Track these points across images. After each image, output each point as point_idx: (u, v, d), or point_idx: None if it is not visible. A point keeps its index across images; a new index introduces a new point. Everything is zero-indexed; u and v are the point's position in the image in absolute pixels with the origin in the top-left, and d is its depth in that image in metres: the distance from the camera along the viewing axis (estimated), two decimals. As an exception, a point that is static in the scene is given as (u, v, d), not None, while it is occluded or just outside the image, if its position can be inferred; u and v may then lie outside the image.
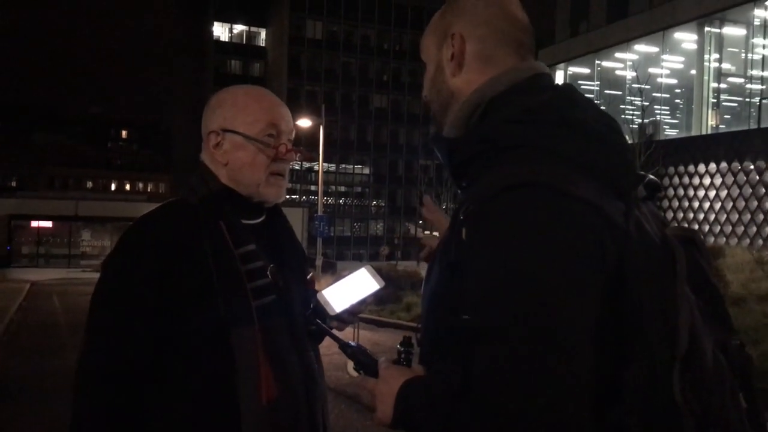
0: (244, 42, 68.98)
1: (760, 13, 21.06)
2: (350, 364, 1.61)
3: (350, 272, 1.54)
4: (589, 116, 1.06)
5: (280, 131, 1.58)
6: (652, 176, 1.12)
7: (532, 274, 0.91)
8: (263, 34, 69.24)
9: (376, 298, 1.55)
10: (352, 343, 1.33)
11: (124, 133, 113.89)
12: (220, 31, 67.99)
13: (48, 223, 44.93)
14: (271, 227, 1.64)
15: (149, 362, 1.43)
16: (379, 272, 1.58)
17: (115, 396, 1.41)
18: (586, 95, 1.17)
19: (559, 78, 29.00)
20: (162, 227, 1.49)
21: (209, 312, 1.42)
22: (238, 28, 68.61)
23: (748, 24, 21.71)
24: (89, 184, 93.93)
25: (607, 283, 0.94)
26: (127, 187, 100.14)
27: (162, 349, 1.43)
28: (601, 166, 1.01)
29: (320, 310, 1.51)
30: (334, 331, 1.55)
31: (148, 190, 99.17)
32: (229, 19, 67.42)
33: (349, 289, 1.52)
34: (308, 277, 1.68)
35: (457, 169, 1.13)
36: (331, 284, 1.53)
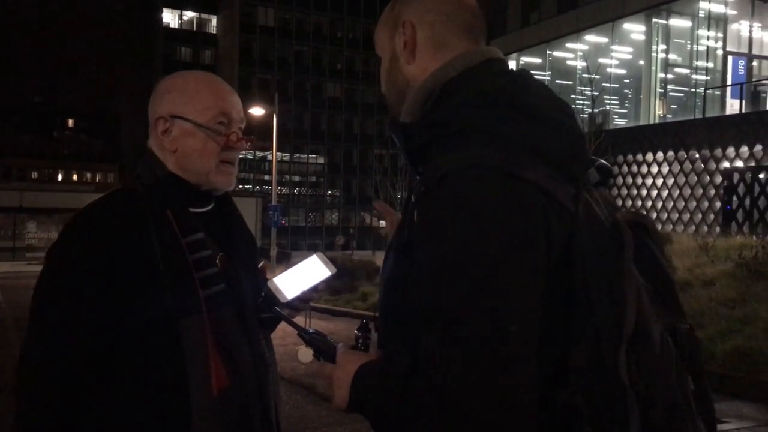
0: (195, 29, 67.79)
1: (704, 6, 21.64)
2: (300, 351, 1.59)
3: (302, 259, 1.53)
4: (541, 101, 1.07)
5: (231, 119, 1.56)
6: (603, 161, 1.13)
7: (477, 256, 0.92)
8: (214, 21, 68.14)
9: (329, 286, 1.54)
10: (311, 330, 1.32)
11: (70, 122, 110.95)
12: (170, 17, 66.66)
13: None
14: (219, 215, 1.61)
15: (94, 354, 1.40)
16: (334, 262, 1.57)
17: (59, 389, 1.39)
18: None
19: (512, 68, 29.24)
20: (106, 216, 1.45)
21: (156, 302, 1.40)
22: (188, 14, 67.37)
23: (693, 16, 22.28)
24: (34, 175, 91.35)
25: (553, 265, 0.95)
26: (75, 177, 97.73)
27: (108, 341, 1.40)
28: (551, 151, 1.02)
29: (272, 298, 1.49)
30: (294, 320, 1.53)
31: (96, 180, 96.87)
32: (179, 5, 66.15)
33: (301, 276, 1.51)
34: (260, 265, 1.67)
35: (413, 155, 1.14)
36: (282, 272, 1.52)
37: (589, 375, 0.92)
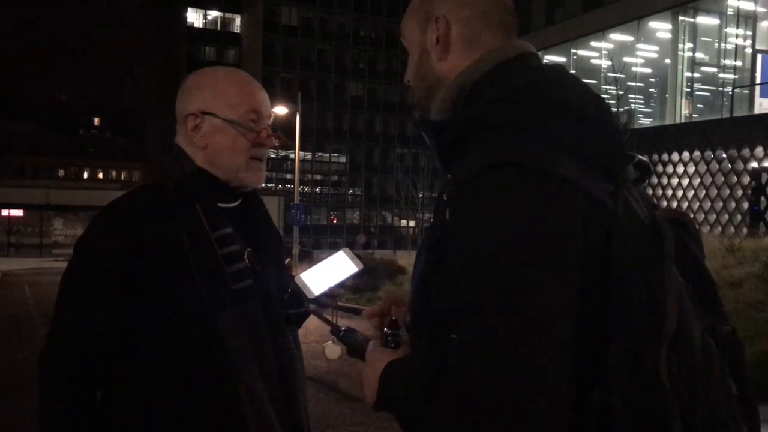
0: (219, 28, 68.31)
1: (733, 3, 21.31)
2: (328, 348, 1.57)
3: (328, 255, 1.52)
4: (577, 96, 1.04)
5: (261, 115, 1.55)
6: (642, 158, 1.10)
7: (510, 254, 0.90)
8: (238, 20, 68.58)
9: (355, 282, 1.52)
10: (342, 327, 1.30)
11: (96, 121, 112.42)
12: (194, 17, 67.22)
13: (19, 212, 44.26)
14: (247, 211, 1.61)
15: (119, 346, 1.41)
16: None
17: (80, 380, 1.41)
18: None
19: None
20: (135, 209, 1.46)
21: (188, 295, 1.40)
22: (213, 14, 67.87)
23: (721, 14, 21.96)
24: (61, 173, 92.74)
25: (591, 262, 0.92)
26: (100, 175, 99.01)
27: (139, 333, 1.41)
28: (588, 147, 1.00)
29: (298, 294, 1.48)
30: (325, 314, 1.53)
31: (122, 178, 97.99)
32: (204, 5, 66.67)
33: (328, 272, 1.49)
34: (285, 262, 1.66)
35: (444, 152, 1.11)
36: (309, 268, 1.51)
37: (626, 375, 0.89)
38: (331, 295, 1.52)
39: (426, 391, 0.95)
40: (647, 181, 1.13)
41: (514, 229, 0.91)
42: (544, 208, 0.92)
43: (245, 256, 1.50)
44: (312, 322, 1.67)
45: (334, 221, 66.16)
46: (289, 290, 1.52)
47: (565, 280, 0.91)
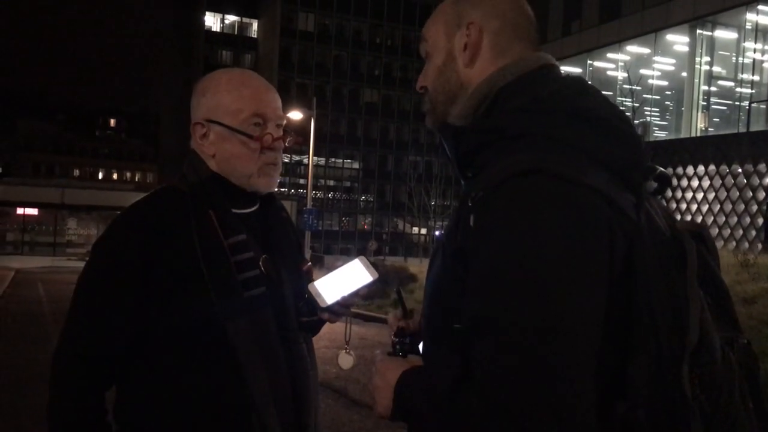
0: (236, 33, 68.61)
1: (752, 17, 21.18)
2: (341, 357, 1.57)
3: (343, 263, 1.50)
4: (599, 106, 1.05)
5: (267, 118, 1.51)
6: (663, 170, 1.09)
7: (538, 263, 0.89)
8: (255, 25, 68.89)
9: (370, 291, 1.49)
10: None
11: (112, 122, 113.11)
12: (212, 21, 67.58)
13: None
14: (264, 216, 1.59)
15: (130, 348, 1.42)
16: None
17: (90, 379, 1.41)
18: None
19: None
20: (150, 214, 1.45)
21: (199, 302, 1.40)
22: (230, 18, 68.21)
23: (739, 27, 21.83)
24: (76, 172, 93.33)
25: (615, 274, 0.92)
26: (115, 175, 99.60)
27: (151, 337, 1.41)
28: (611, 157, 0.99)
29: (313, 302, 1.47)
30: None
31: (136, 179, 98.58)
32: (221, 9, 67.02)
33: (342, 281, 1.47)
34: (305, 267, 1.63)
35: (463, 159, 1.11)
36: (324, 276, 1.49)
37: (650, 388, 0.89)
38: (344, 304, 1.49)
39: (448, 401, 0.94)
40: (665, 194, 1.13)
41: (544, 240, 0.90)
42: (574, 217, 0.91)
43: (260, 263, 1.48)
44: (320, 330, 1.67)
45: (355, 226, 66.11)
46: (305, 297, 1.50)
47: (594, 292, 0.90)
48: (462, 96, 1.14)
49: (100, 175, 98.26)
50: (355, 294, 1.49)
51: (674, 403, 0.88)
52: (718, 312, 0.98)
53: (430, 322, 1.09)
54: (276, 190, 1.61)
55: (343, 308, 1.52)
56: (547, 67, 1.13)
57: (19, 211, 44.15)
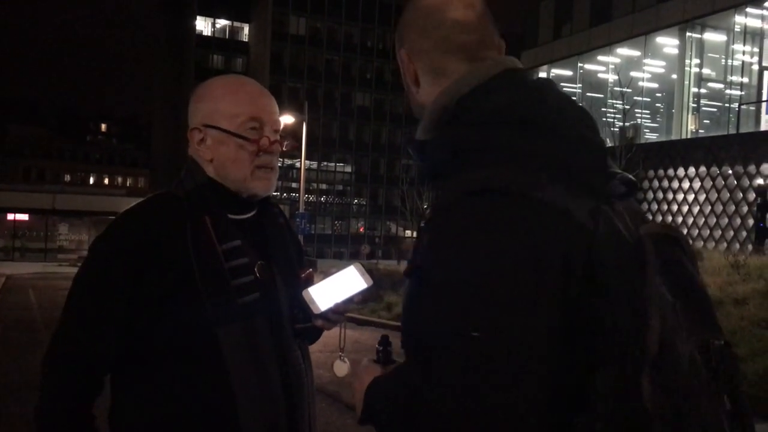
0: (227, 37, 68.62)
1: (740, 20, 21.33)
2: (336, 365, 1.56)
3: (338, 270, 1.49)
4: (558, 114, 1.04)
5: (263, 123, 1.53)
6: (626, 174, 1.08)
7: (487, 283, 0.90)
8: (246, 29, 68.92)
9: (365, 297, 1.49)
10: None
11: (103, 127, 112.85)
12: (203, 25, 67.56)
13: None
14: (261, 222, 1.59)
15: (121, 353, 1.42)
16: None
17: (79, 383, 1.42)
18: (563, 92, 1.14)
19: (542, 80, 29.11)
20: (145, 219, 1.46)
21: (191, 308, 1.40)
22: (221, 22, 68.22)
23: (728, 30, 21.98)
24: (67, 178, 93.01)
25: (574, 287, 0.92)
26: (106, 181, 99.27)
27: (142, 343, 1.41)
28: (568, 165, 0.99)
29: (308, 309, 1.47)
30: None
31: (127, 184, 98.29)
32: (212, 13, 67.01)
33: (336, 287, 1.47)
34: (305, 273, 1.61)
35: (428, 171, 1.13)
36: (318, 282, 1.49)
37: (611, 399, 0.89)
38: (338, 311, 1.49)
39: (404, 412, 0.97)
40: (637, 196, 1.12)
41: (490, 260, 0.91)
42: (519, 237, 0.91)
43: (255, 269, 1.48)
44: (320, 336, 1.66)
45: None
46: (300, 303, 1.50)
47: (543, 306, 0.90)
48: (424, 114, 1.15)
49: (92, 181, 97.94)
50: (350, 301, 1.48)
51: (634, 414, 0.88)
52: (693, 316, 0.95)
53: (404, 335, 1.11)
54: (273, 194, 1.62)
55: (337, 315, 1.52)
56: (509, 72, 1.10)
57: (10, 216, 43.94)
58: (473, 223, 0.93)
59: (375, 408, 1.06)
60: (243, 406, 1.40)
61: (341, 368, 1.33)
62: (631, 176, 1.07)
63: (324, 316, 1.49)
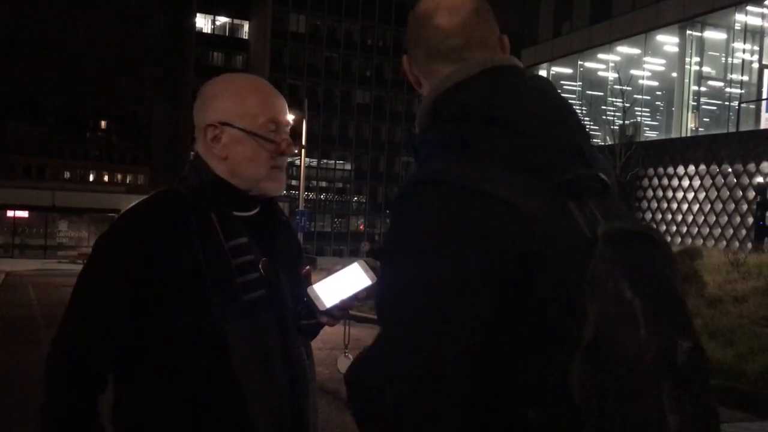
0: (227, 34, 68.54)
1: (740, 18, 21.33)
2: (340, 360, 1.57)
3: (342, 267, 1.50)
4: (527, 113, 1.06)
5: (279, 124, 1.54)
6: (593, 172, 1.05)
7: (420, 267, 0.95)
8: (246, 26, 68.84)
9: (369, 294, 1.51)
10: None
11: (102, 124, 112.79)
12: (203, 22, 67.49)
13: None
14: (264, 220, 1.60)
15: (127, 350, 1.42)
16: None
17: (84, 381, 1.41)
18: (559, 91, 1.15)
19: (542, 78, 29.12)
20: (151, 217, 1.46)
21: (199, 305, 1.40)
22: (221, 19, 68.14)
23: (729, 28, 21.98)
24: (66, 175, 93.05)
25: (509, 277, 0.94)
26: (106, 178, 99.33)
27: (148, 339, 1.42)
28: (528, 162, 1.00)
29: (312, 305, 1.47)
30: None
31: (127, 181, 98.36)
32: (212, 10, 66.94)
33: (341, 284, 1.48)
34: (303, 271, 1.63)
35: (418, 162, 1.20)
36: (322, 279, 1.50)
37: (542, 390, 0.91)
38: (343, 307, 1.50)
39: (360, 384, 1.01)
40: (611, 195, 1.08)
41: (427, 245, 0.96)
42: (458, 226, 0.95)
43: (260, 266, 1.49)
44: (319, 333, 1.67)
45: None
46: (305, 300, 1.51)
47: (472, 300, 0.93)
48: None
49: (91, 178, 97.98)
50: (354, 297, 1.49)
51: (564, 406, 0.90)
52: (658, 315, 0.93)
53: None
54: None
55: (342, 312, 1.53)
56: (488, 71, 1.11)
57: (10, 213, 43.95)
58: (417, 211, 0.99)
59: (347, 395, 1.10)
60: (251, 402, 1.41)
61: (345, 364, 1.34)
62: (597, 174, 1.05)
63: (329, 312, 1.50)
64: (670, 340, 0.92)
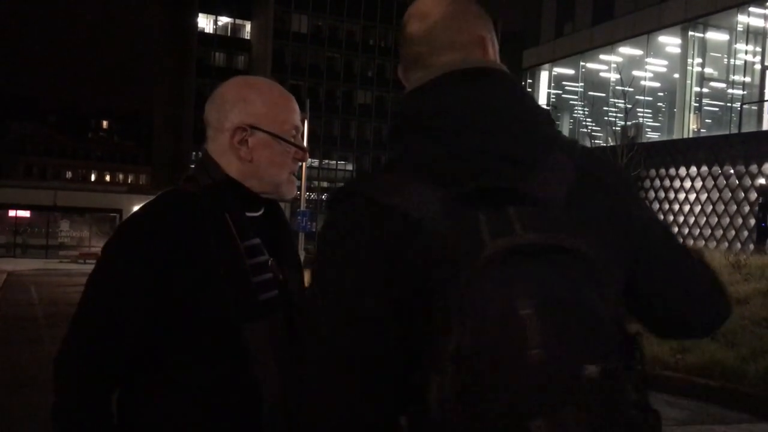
0: (229, 34, 68.65)
1: (743, 19, 21.31)
2: None
3: None
4: (460, 122, 1.02)
5: (299, 131, 1.59)
6: (500, 183, 0.99)
7: (323, 273, 1.00)
8: (248, 26, 68.92)
9: None
10: None
11: (104, 124, 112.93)
12: (205, 22, 67.59)
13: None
14: (269, 221, 1.61)
15: (141, 351, 1.42)
16: None
17: (96, 382, 1.40)
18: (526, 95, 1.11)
19: (544, 79, 29.15)
20: (168, 217, 1.45)
21: (218, 306, 1.41)
22: (223, 20, 68.25)
23: (731, 29, 21.96)
24: (68, 174, 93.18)
25: (402, 290, 0.94)
26: (107, 178, 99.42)
27: (164, 340, 1.41)
28: (445, 171, 0.99)
29: None
30: None
31: (129, 181, 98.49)
32: (214, 10, 67.05)
33: None
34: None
35: None
36: None
37: (416, 399, 0.91)
38: None
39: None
40: (539, 206, 1.00)
41: (323, 255, 1.01)
42: (347, 235, 0.99)
43: (269, 266, 1.50)
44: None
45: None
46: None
47: (355, 303, 0.95)
48: None
49: (93, 177, 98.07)
50: None
51: (425, 413, 0.88)
52: (560, 339, 0.87)
53: None
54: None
55: None
56: (442, 78, 1.08)
57: (11, 213, 44.01)
58: (327, 222, 1.04)
59: None
60: (267, 403, 1.42)
61: None
62: (512, 187, 0.98)
63: None
64: (572, 363, 0.86)
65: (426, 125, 1.04)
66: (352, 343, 0.95)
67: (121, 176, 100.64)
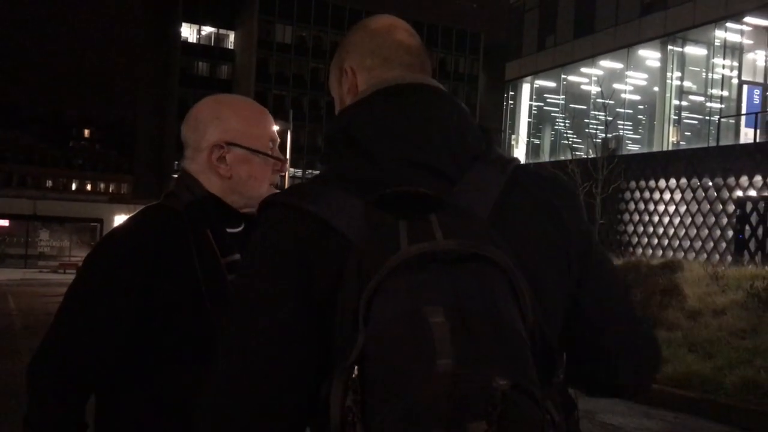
0: (212, 44, 68.44)
1: (720, 34, 21.64)
2: None
3: None
4: (381, 133, 1.05)
5: (275, 142, 1.61)
6: (421, 190, 0.97)
7: (243, 280, 1.01)
8: (232, 36, 68.78)
9: None
10: None
11: (86, 132, 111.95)
12: (188, 32, 67.34)
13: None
14: (248, 236, 1.62)
15: (118, 363, 1.42)
16: None
17: (73, 390, 1.41)
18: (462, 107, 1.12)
19: (526, 91, 29.37)
20: (150, 232, 1.47)
21: (199, 322, 1.41)
22: (207, 29, 68.04)
23: (709, 44, 22.29)
24: (49, 183, 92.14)
25: (319, 297, 0.94)
26: (89, 187, 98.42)
27: (144, 353, 1.42)
28: (366, 182, 1.00)
29: None
30: None
31: (110, 190, 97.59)
32: (198, 20, 66.84)
33: None
34: None
35: None
36: None
37: (318, 405, 0.91)
38: None
39: None
40: (458, 214, 0.98)
41: (250, 259, 1.02)
42: (269, 242, 0.99)
43: None
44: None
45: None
46: None
47: (271, 312, 0.94)
48: None
49: (74, 186, 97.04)
50: None
51: (327, 423, 0.86)
52: (471, 350, 0.83)
53: None
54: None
55: None
56: (381, 91, 1.11)
57: (-10, 222, 43.40)
58: (254, 231, 1.04)
59: None
60: None
61: None
62: (425, 192, 0.97)
63: None
64: (483, 376, 0.81)
65: (351, 136, 1.06)
66: (257, 356, 0.93)
67: (102, 185, 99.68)
